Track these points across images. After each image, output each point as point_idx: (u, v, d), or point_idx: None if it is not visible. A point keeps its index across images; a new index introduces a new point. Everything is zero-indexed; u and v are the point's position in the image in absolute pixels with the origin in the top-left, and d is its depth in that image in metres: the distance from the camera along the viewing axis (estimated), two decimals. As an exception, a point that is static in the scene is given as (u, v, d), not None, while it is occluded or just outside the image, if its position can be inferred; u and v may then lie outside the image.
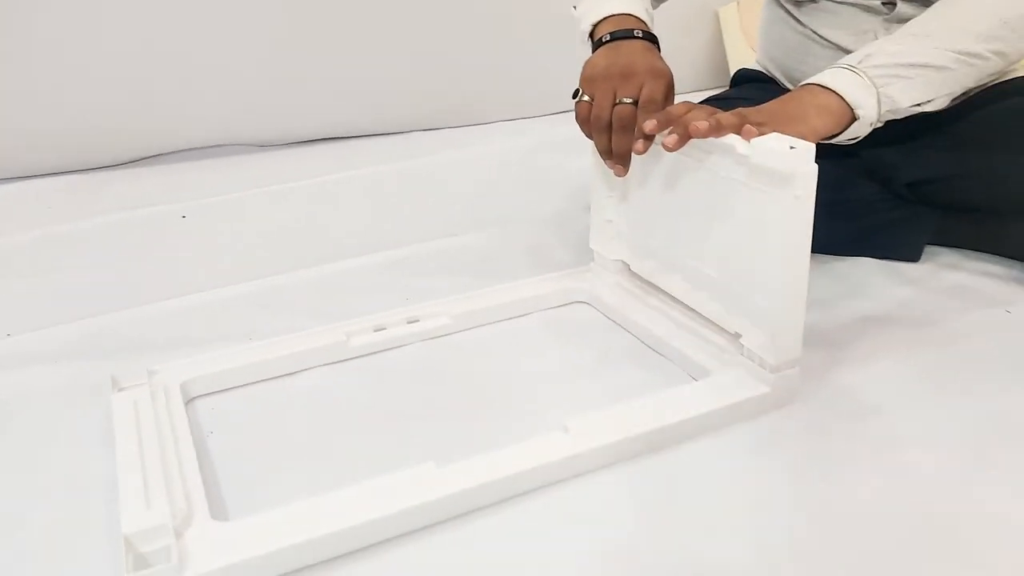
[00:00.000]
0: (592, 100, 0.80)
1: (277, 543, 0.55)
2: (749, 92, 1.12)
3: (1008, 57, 0.85)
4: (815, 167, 0.64)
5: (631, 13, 0.86)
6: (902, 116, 0.82)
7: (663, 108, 0.77)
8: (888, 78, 0.79)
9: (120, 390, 0.73)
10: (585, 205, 1.05)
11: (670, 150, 0.71)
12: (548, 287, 0.92)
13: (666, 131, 0.72)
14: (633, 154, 0.77)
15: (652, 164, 0.81)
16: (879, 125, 0.81)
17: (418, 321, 0.86)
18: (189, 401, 0.74)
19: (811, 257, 0.69)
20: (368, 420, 0.74)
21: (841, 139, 0.79)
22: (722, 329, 0.77)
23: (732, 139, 0.69)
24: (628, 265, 0.90)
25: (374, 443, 0.70)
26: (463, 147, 1.56)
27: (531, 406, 0.75)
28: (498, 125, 1.70)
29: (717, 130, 0.70)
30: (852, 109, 0.77)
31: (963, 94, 0.88)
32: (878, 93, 0.78)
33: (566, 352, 0.84)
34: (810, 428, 0.70)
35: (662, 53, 0.85)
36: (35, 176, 1.40)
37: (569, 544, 0.59)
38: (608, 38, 0.84)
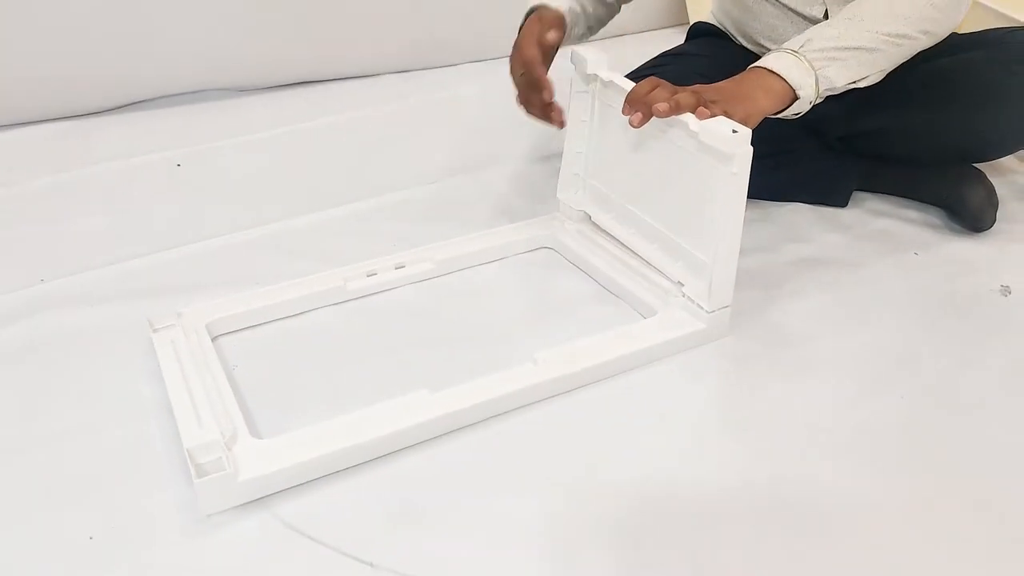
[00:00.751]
0: None
1: (308, 455, 0.68)
2: (704, 48, 1.21)
3: (936, 35, 0.94)
4: (750, 149, 0.76)
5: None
6: (839, 92, 0.91)
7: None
8: (825, 61, 0.88)
9: (155, 330, 0.84)
10: (546, 154, 1.16)
11: (635, 127, 0.82)
12: (518, 235, 1.03)
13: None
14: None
15: (620, 129, 0.93)
16: (819, 102, 0.90)
17: (404, 267, 0.97)
18: (214, 339, 0.86)
19: (752, 203, 0.80)
20: (367, 354, 0.85)
21: (786, 115, 0.89)
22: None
23: (687, 116, 0.80)
24: (590, 216, 1.02)
25: (373, 373, 0.82)
26: (435, 90, 1.60)
27: (505, 340, 0.87)
28: (468, 67, 1.74)
29: (676, 110, 0.80)
30: (794, 90, 0.87)
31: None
32: (816, 75, 0.87)
33: (534, 293, 0.96)
34: (740, 356, 0.84)
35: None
36: (24, 124, 1.45)
37: (538, 454, 0.72)
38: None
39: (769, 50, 0.93)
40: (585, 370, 0.79)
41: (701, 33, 1.28)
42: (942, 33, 0.95)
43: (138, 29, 1.48)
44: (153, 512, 0.66)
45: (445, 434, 0.74)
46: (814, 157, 1.13)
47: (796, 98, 0.87)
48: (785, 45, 0.91)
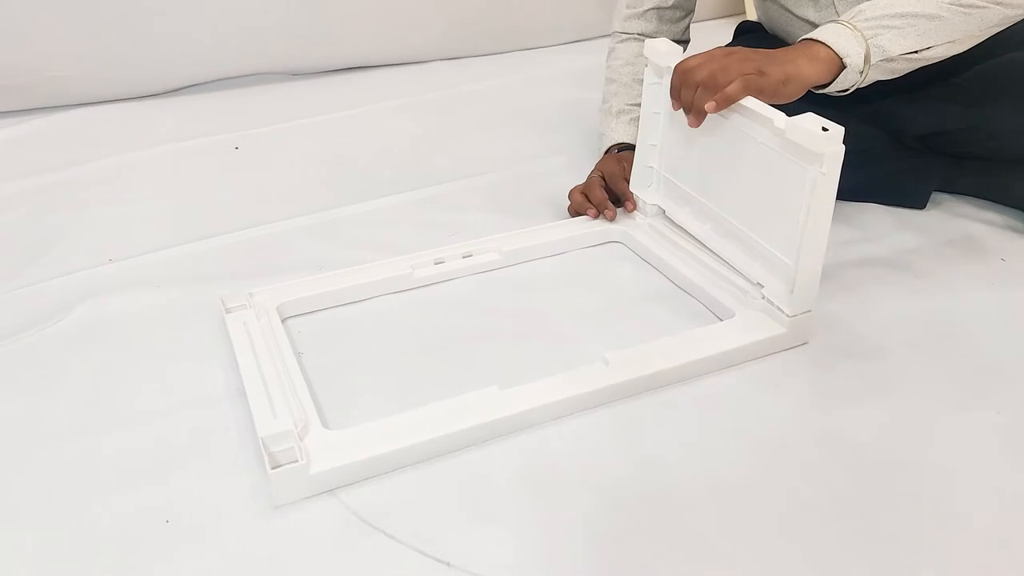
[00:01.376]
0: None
1: (379, 449, 0.67)
2: (751, 43, 1.19)
3: (1013, 6, 0.88)
4: (842, 148, 0.72)
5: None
6: (910, 66, 0.87)
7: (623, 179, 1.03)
8: (877, 29, 0.84)
9: (228, 310, 0.84)
10: (599, 145, 1.14)
11: (694, 127, 0.83)
12: (587, 228, 1.01)
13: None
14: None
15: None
16: (882, 77, 0.86)
17: (471, 256, 0.96)
18: (282, 321, 0.85)
19: None
20: (431, 344, 0.84)
21: (832, 89, 0.86)
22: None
23: (770, 112, 0.78)
24: (663, 211, 1.00)
25: (438, 365, 0.81)
26: (485, 79, 1.60)
27: (573, 336, 0.85)
28: (518, 55, 1.73)
29: (726, 103, 0.81)
30: (841, 58, 0.83)
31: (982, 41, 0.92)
32: (867, 43, 0.84)
33: (603, 288, 0.93)
34: (821, 364, 0.81)
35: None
36: (89, 104, 1.47)
37: (607, 456, 0.70)
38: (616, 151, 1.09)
39: None
40: (659, 373, 0.77)
41: (746, 31, 1.27)
42: (1020, 3, 0.89)
43: (197, 13, 1.49)
44: (227, 497, 0.66)
45: (514, 432, 0.72)
46: (890, 156, 1.09)
47: (844, 67, 0.84)
48: (838, 17, 0.88)
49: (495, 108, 1.47)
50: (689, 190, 0.95)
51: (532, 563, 0.61)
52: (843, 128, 0.73)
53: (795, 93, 0.83)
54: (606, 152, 1.11)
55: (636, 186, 1.01)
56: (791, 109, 0.78)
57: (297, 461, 0.64)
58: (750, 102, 0.81)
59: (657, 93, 0.95)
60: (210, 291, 0.90)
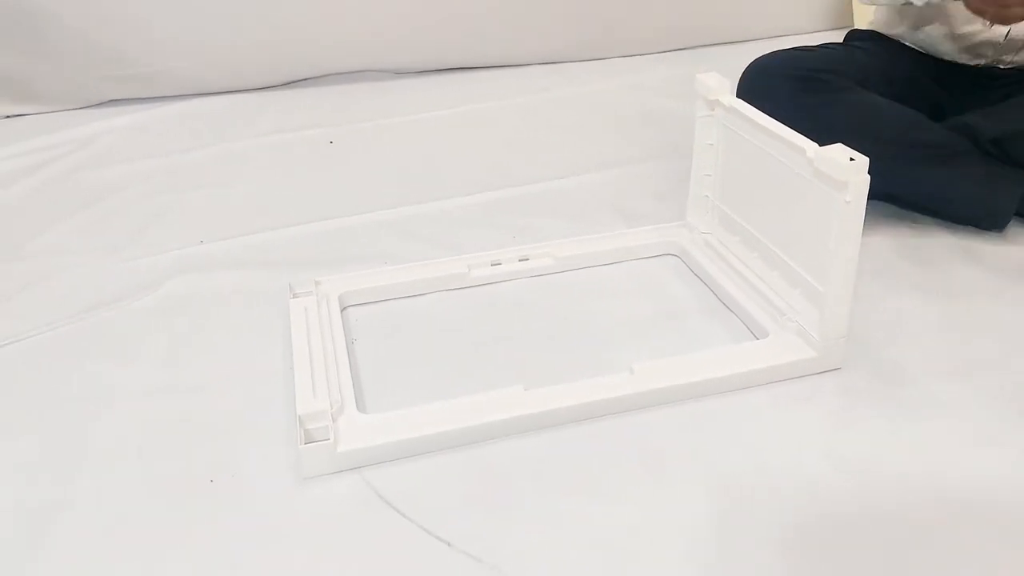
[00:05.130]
0: None
1: (402, 435, 0.73)
2: (863, 48, 1.20)
3: None
4: (867, 178, 0.74)
5: None
6: None
7: None
8: None
9: (294, 296, 0.92)
10: (684, 152, 1.15)
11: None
12: (644, 239, 1.04)
13: None
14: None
15: (744, 155, 0.92)
16: None
17: (528, 260, 1.00)
18: (343, 309, 0.93)
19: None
20: (476, 342, 0.90)
21: None
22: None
23: (803, 142, 0.80)
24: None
25: (479, 361, 0.86)
26: (578, 84, 1.64)
27: (612, 345, 0.89)
28: (613, 62, 1.76)
29: None
30: None
31: None
32: None
33: (651, 300, 0.96)
34: (847, 390, 0.81)
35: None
36: (207, 94, 1.60)
37: (622, 462, 0.74)
38: None
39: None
40: (681, 386, 0.79)
41: (859, 39, 1.26)
42: None
43: (308, 11, 1.59)
44: (266, 465, 0.74)
45: (534, 430, 0.76)
46: (974, 159, 1.02)
47: None
48: None
49: (583, 114, 1.50)
50: (738, 218, 0.97)
51: (529, 551, 0.65)
52: (867, 159, 0.73)
53: None
54: None
55: (692, 214, 1.04)
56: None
57: (328, 439, 0.70)
58: (786, 132, 0.83)
59: (708, 126, 0.97)
60: (284, 276, 0.98)
